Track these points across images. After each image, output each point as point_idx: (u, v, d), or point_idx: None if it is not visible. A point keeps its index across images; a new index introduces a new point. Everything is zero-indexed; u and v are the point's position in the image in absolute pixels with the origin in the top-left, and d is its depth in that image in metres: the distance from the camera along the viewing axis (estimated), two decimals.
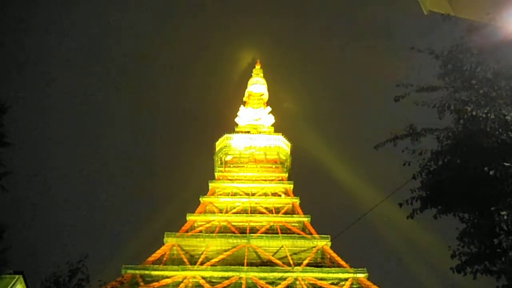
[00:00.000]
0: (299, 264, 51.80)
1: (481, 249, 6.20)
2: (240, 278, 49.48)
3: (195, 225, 61.10)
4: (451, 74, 7.19)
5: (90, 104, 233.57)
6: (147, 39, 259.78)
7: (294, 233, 58.28)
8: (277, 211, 63.55)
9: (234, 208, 64.48)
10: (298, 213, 62.54)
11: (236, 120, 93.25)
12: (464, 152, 6.64)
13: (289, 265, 51.32)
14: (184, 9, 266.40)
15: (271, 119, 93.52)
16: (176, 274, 50.00)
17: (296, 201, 65.04)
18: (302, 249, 55.89)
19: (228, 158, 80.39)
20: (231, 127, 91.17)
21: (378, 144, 7.51)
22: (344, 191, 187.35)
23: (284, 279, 49.34)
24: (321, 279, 49.90)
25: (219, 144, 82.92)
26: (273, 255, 54.14)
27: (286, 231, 59.08)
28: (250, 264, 52.36)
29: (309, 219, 60.76)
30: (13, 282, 21.39)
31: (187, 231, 58.40)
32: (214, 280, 49.65)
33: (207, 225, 60.46)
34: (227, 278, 49.74)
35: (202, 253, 53.82)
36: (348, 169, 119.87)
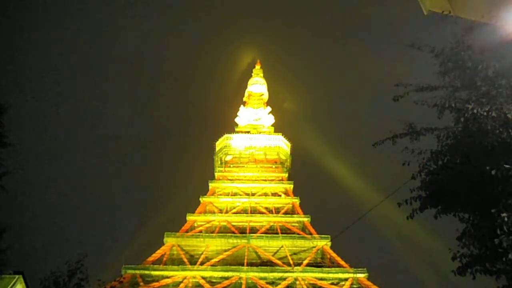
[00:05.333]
0: (299, 264, 51.82)
1: (482, 250, 6.18)
2: (240, 278, 49.51)
3: (195, 225, 61.11)
4: (451, 73, 7.18)
5: (90, 104, 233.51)
6: (147, 39, 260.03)
7: (294, 233, 58.30)
8: (277, 211, 63.56)
9: (234, 208, 64.48)
10: (298, 213, 62.55)
11: (236, 120, 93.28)
12: (464, 151, 6.62)
13: (289, 265, 51.33)
14: (184, 9, 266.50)
15: (271, 119, 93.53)
16: (176, 274, 50.03)
17: (296, 201, 65.05)
18: (302, 249, 55.91)
19: (228, 158, 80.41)
20: (231, 127, 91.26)
21: (377, 142, 7.49)
22: (344, 191, 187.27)
23: (284, 279, 49.35)
24: (321, 279, 49.93)
25: (219, 144, 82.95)
26: (273, 255, 54.16)
27: (286, 231, 59.09)
28: (250, 264, 52.39)
29: (309, 219, 60.77)
30: (13, 282, 21.36)
31: (187, 231, 58.42)
32: (214, 280, 49.68)
33: (207, 225, 60.47)
34: (227, 278, 49.76)
35: (202, 253, 53.85)
36: (348, 169, 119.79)
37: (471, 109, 6.45)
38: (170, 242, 55.65)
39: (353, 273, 50.52)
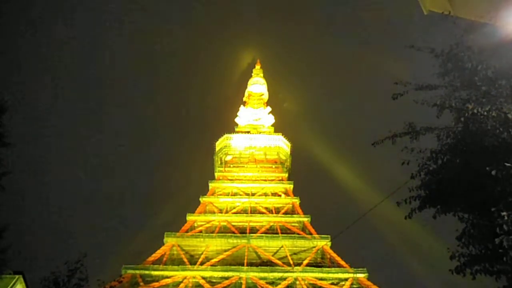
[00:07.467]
0: (299, 264, 51.78)
1: (481, 250, 6.17)
2: (240, 278, 49.47)
3: (195, 225, 61.08)
4: (451, 73, 7.17)
5: (90, 104, 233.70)
6: (147, 39, 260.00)
7: (294, 233, 58.26)
8: (277, 211, 63.53)
9: (234, 208, 64.44)
10: (298, 213, 62.50)
11: (236, 120, 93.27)
12: (464, 151, 6.61)
13: (289, 265, 51.29)
14: (184, 9, 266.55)
15: (271, 119, 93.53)
16: (176, 274, 49.99)
17: (296, 201, 65.00)
18: (302, 249, 55.86)
19: (228, 158, 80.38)
20: (231, 127, 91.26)
21: (376, 141, 7.47)
22: (344, 191, 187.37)
23: (284, 279, 49.32)
24: (321, 279, 49.89)
25: (219, 144, 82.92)
26: (273, 255, 54.12)
27: (286, 231, 59.06)
28: (250, 264, 52.36)
29: (309, 219, 60.73)
30: (13, 282, 21.34)
31: (187, 231, 58.39)
32: (214, 280, 49.63)
33: (207, 225, 60.44)
34: (227, 278, 49.72)
35: (202, 253, 53.81)
36: (348, 169, 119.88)
37: (471, 109, 6.44)
38: (170, 242, 55.62)
39: (353, 273, 50.47)
